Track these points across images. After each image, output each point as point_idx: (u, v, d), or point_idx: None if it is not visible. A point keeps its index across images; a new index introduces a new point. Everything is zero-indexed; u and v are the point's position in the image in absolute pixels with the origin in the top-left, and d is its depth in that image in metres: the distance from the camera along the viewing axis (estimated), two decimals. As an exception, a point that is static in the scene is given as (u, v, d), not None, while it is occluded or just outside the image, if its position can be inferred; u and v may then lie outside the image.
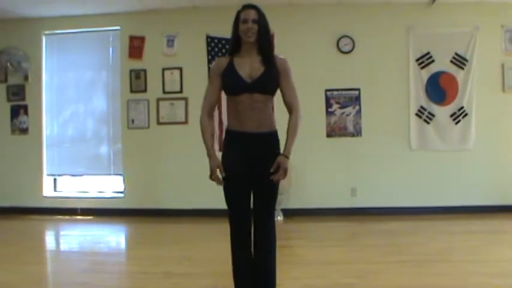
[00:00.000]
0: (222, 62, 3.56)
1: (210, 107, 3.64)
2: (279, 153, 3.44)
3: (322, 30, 7.75)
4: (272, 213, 3.60)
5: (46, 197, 8.25)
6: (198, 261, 5.26)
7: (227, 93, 3.54)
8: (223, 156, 3.56)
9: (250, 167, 3.43)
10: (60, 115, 8.28)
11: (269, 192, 3.53)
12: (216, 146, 7.37)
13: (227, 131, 3.59)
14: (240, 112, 3.45)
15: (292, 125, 3.49)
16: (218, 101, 3.66)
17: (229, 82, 3.47)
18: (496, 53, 7.60)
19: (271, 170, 3.37)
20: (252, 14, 3.41)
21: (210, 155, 3.54)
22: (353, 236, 6.51)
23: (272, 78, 3.45)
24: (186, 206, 7.81)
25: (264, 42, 3.46)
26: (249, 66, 3.44)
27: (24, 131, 8.27)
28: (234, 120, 3.51)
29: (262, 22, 3.43)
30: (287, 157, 3.41)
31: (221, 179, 3.50)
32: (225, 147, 3.59)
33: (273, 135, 3.52)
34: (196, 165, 7.76)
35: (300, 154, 7.40)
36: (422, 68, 7.63)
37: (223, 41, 7.66)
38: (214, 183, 3.52)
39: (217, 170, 3.50)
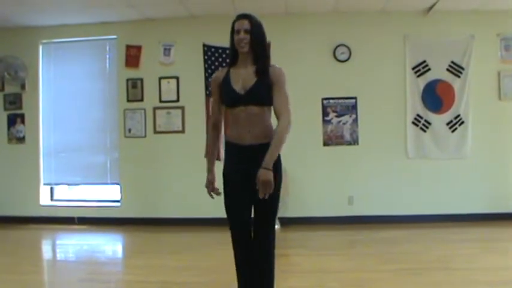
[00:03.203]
0: (219, 74, 3.59)
1: (215, 119, 3.69)
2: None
3: (318, 39, 7.77)
4: (272, 227, 3.57)
5: (43, 206, 8.22)
6: (195, 271, 5.23)
7: (225, 105, 3.55)
8: (224, 167, 3.58)
9: (249, 179, 3.33)
10: (57, 124, 8.25)
11: (268, 206, 3.47)
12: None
13: (226, 143, 3.59)
14: (237, 124, 3.45)
15: (276, 133, 3.35)
16: (224, 113, 3.61)
17: (224, 94, 3.50)
18: (492, 61, 7.63)
19: (257, 187, 3.25)
20: (244, 24, 3.41)
21: (208, 170, 3.66)
22: (350, 245, 6.50)
23: (264, 89, 3.41)
24: (184, 215, 7.79)
25: (258, 52, 3.44)
26: (242, 77, 3.45)
27: (21, 139, 8.25)
28: (232, 132, 3.50)
29: (255, 31, 3.42)
30: (266, 168, 3.24)
31: (212, 194, 3.64)
32: (225, 158, 3.61)
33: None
34: (193, 174, 7.78)
35: (297, 163, 7.43)
36: (418, 76, 7.65)
37: (220, 50, 7.67)
38: (214, 193, 3.59)
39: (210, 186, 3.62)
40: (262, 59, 3.47)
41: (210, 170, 3.66)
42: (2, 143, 8.28)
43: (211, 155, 3.74)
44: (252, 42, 3.42)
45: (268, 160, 3.26)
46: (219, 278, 4.87)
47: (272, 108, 3.48)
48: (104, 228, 7.71)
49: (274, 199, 3.44)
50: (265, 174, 3.22)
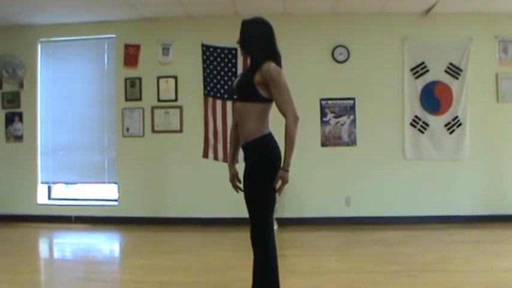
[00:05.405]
0: None
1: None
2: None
3: (317, 40, 7.77)
4: None
5: (40, 204, 8.21)
6: (193, 271, 5.23)
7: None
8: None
9: (244, 179, 3.64)
10: (55, 122, 8.25)
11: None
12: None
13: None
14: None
15: (285, 134, 3.40)
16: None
17: None
18: (490, 63, 7.64)
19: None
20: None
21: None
22: (347, 246, 6.51)
23: (247, 84, 3.43)
24: (181, 215, 7.78)
25: (248, 51, 3.54)
26: (242, 74, 3.73)
27: (19, 138, 8.24)
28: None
29: (243, 33, 3.52)
30: (284, 170, 3.44)
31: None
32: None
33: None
34: (191, 174, 7.79)
35: (295, 163, 7.41)
36: (416, 77, 7.66)
37: (219, 50, 7.68)
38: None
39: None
40: (252, 55, 3.50)
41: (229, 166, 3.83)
42: (-1, 141, 8.29)
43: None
44: (242, 45, 3.53)
45: (285, 161, 3.40)
46: (216, 278, 4.87)
47: (261, 106, 3.43)
48: (102, 227, 7.70)
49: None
50: (281, 175, 3.40)
